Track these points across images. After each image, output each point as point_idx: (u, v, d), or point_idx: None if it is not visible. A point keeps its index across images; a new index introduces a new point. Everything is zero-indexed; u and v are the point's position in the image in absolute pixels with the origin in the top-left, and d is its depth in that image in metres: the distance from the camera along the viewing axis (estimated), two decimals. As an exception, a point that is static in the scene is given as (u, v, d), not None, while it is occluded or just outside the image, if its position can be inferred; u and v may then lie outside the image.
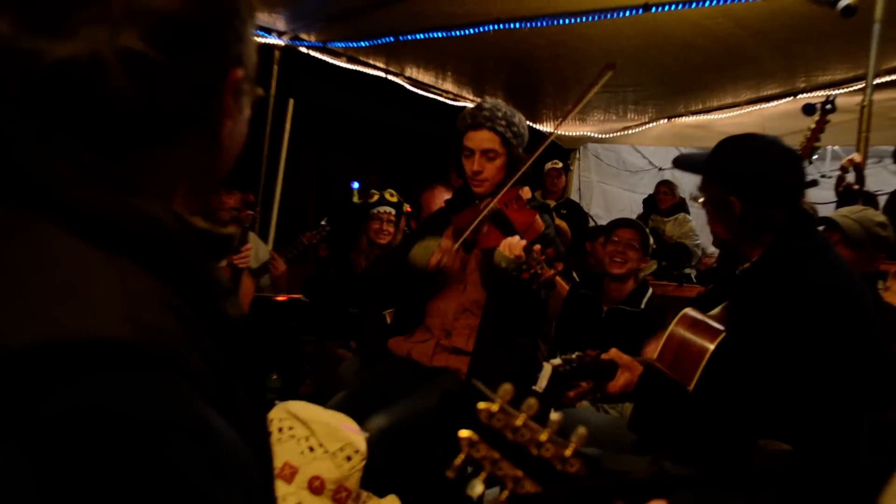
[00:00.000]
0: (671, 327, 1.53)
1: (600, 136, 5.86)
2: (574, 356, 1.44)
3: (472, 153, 1.94)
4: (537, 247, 1.77)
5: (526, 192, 2.03)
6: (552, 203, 5.34)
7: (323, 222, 3.41)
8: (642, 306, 2.59)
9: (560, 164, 5.45)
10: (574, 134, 5.84)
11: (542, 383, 1.40)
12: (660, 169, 6.83)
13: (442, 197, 2.80)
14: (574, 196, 6.14)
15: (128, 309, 0.43)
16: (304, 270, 4.22)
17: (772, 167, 1.44)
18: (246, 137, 0.60)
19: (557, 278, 1.83)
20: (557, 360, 1.43)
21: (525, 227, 1.89)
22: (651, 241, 2.75)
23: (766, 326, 1.37)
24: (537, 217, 1.93)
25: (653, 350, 1.59)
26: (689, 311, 1.56)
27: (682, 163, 1.56)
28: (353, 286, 2.94)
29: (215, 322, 0.50)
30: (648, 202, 5.68)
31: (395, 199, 3.29)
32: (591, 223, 5.72)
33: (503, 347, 1.92)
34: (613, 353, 1.47)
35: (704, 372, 1.43)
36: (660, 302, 2.64)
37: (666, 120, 5.35)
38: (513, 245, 1.77)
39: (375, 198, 3.28)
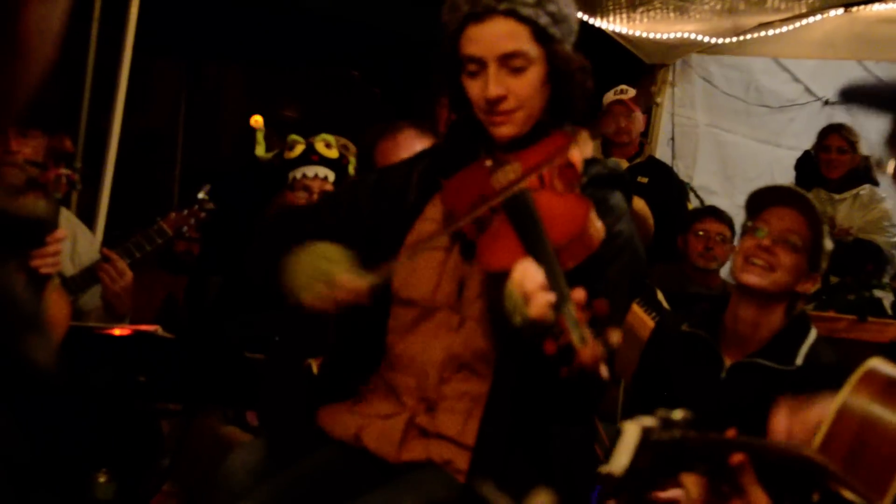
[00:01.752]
0: (846, 394, 1.55)
1: (714, 40, 5.94)
2: (679, 416, 1.43)
3: (482, 65, 1.94)
4: (579, 295, 1.65)
5: (586, 144, 2.04)
6: (620, 164, 5.40)
7: (201, 194, 3.44)
8: (798, 362, 2.62)
9: (634, 93, 5.51)
10: (665, 36, 5.91)
11: (619, 461, 1.37)
12: (826, 103, 6.96)
13: (413, 148, 2.80)
14: (663, 152, 6.24)
15: None
16: (164, 281, 4.24)
17: None
18: (63, 37, 0.63)
19: (602, 366, 1.71)
20: (650, 420, 1.41)
21: (566, 239, 1.78)
22: (827, 236, 2.68)
23: None
24: (592, 215, 1.83)
25: (804, 424, 1.63)
26: (878, 365, 1.58)
27: (859, 94, 1.59)
28: (243, 304, 2.99)
29: None
30: (805, 166, 5.77)
31: (333, 153, 3.34)
32: (694, 202, 5.78)
33: (530, 437, 1.95)
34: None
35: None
36: (830, 353, 2.67)
37: (841, 9, 5.42)
38: (531, 284, 1.68)
39: (298, 149, 3.34)
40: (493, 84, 1.94)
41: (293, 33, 6.27)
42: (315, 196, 3.28)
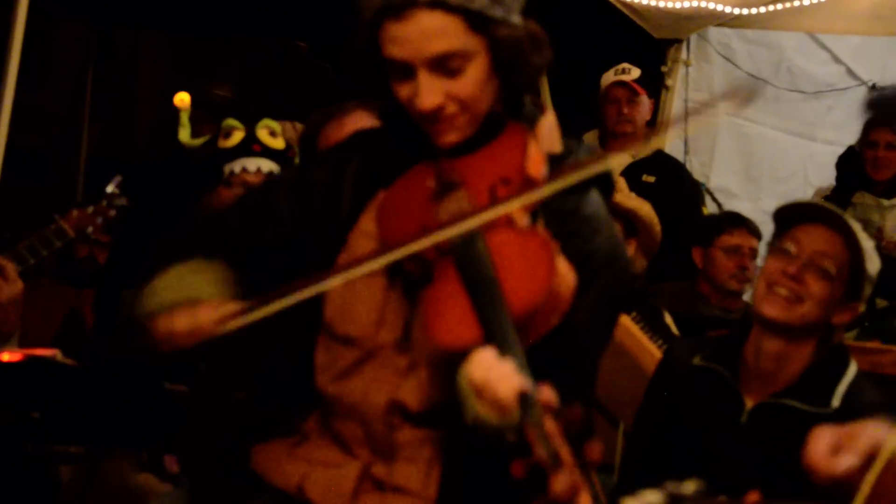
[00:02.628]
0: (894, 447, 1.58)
1: (737, 10, 5.99)
2: (691, 489, 1.44)
3: (409, 71, 1.94)
4: (548, 396, 1.61)
5: (550, 134, 2.03)
6: (621, 159, 5.44)
7: (110, 187, 3.43)
8: (835, 403, 2.65)
9: (638, 74, 5.48)
10: (677, 5, 5.95)
11: None
12: (873, 87, 7.02)
13: None
14: (674, 146, 6.28)
15: None
16: (63, 295, 4.20)
17: None
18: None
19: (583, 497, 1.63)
20: (656, 497, 1.42)
21: (529, 307, 1.74)
22: (870, 259, 2.66)
23: None
24: (559, 263, 1.79)
25: (854, 442, 1.64)
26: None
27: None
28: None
29: None
30: (848, 164, 5.80)
31: (279, 143, 3.36)
32: (711, 207, 5.81)
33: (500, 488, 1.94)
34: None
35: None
36: (874, 392, 2.70)
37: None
38: (489, 379, 1.66)
39: (236, 137, 3.35)
40: (426, 93, 1.90)
41: (228, -5, 6.29)
42: None
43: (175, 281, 1.98)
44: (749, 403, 2.69)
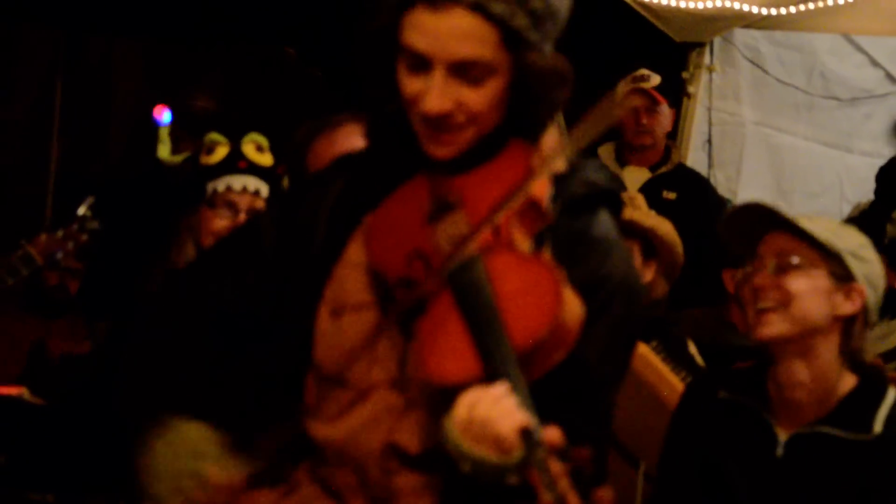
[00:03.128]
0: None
1: (765, 10, 6.01)
2: None
3: (426, 65, 1.95)
4: (554, 436, 1.64)
5: (555, 150, 2.02)
6: (638, 174, 5.48)
7: (82, 209, 3.45)
8: (876, 428, 2.69)
9: (658, 80, 5.53)
10: (700, 5, 5.98)
11: None
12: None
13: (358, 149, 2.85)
14: (697, 158, 6.28)
15: None
16: (31, 327, 4.19)
17: None
18: None
19: None
20: None
21: (533, 340, 1.77)
22: (834, 235, 2.71)
23: None
24: (565, 292, 1.82)
25: None
26: None
27: None
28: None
29: None
30: (890, 178, 5.78)
31: (266, 159, 3.37)
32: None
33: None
34: None
35: None
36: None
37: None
38: (489, 416, 1.69)
39: (220, 153, 3.37)
40: (437, 96, 1.91)
41: (208, -2, 6.30)
42: (243, 216, 3.28)
43: (165, 459, 2.01)
44: (783, 435, 2.71)
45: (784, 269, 2.67)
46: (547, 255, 1.91)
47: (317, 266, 2.05)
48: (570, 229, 1.95)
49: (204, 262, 2.34)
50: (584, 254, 1.92)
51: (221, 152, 3.36)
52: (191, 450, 1.98)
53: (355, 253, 2.04)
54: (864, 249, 2.73)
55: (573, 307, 1.81)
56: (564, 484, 1.60)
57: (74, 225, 3.43)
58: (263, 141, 3.41)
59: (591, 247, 1.97)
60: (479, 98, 1.93)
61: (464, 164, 1.98)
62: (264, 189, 3.35)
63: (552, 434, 1.64)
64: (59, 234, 3.40)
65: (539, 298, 1.81)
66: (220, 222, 3.28)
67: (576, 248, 1.90)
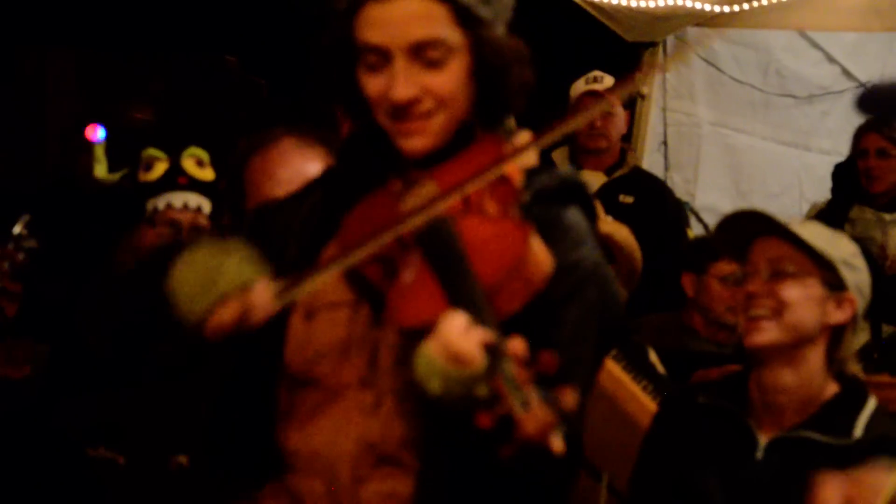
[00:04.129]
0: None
1: (718, 8, 6.04)
2: None
3: (386, 57, 1.99)
4: (518, 346, 1.75)
5: (525, 152, 2.05)
6: (593, 178, 5.44)
7: (17, 228, 3.42)
8: (857, 433, 2.74)
9: (611, 82, 5.54)
10: (651, 4, 6.01)
11: None
12: (867, 89, 7.03)
13: (295, 167, 2.84)
14: (653, 161, 6.32)
15: None
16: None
17: None
18: None
19: (554, 437, 1.73)
20: None
21: (499, 276, 1.86)
22: (829, 244, 2.74)
23: None
24: (533, 241, 1.91)
25: (861, 491, 1.66)
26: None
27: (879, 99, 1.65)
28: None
29: None
30: (847, 175, 5.79)
31: (207, 174, 3.36)
32: (697, 228, 5.85)
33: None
34: None
35: None
36: (893, 425, 2.78)
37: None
38: (453, 334, 1.78)
39: (159, 169, 3.35)
40: (402, 83, 1.96)
41: (146, 6, 6.27)
42: (185, 234, 3.26)
43: (205, 269, 1.99)
44: (763, 439, 2.74)
45: (778, 276, 2.70)
46: (517, 213, 1.95)
47: (289, 274, 2.05)
48: (541, 216, 1.97)
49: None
50: (556, 238, 1.95)
51: (160, 168, 3.34)
52: (228, 254, 1.98)
53: (330, 255, 2.05)
54: (855, 258, 2.77)
55: (540, 253, 1.87)
56: (529, 387, 1.66)
57: (10, 244, 3.40)
58: (204, 155, 3.39)
59: (562, 232, 2.01)
60: (442, 81, 1.98)
61: (436, 159, 2.02)
62: (206, 205, 3.34)
63: (515, 344, 1.69)
64: (-7, 255, 3.38)
65: (506, 240, 1.87)
66: (162, 241, 3.25)
67: (546, 232, 1.92)
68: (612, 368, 3.40)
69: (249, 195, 2.89)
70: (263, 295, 1.95)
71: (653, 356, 3.84)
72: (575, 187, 2.11)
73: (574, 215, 2.06)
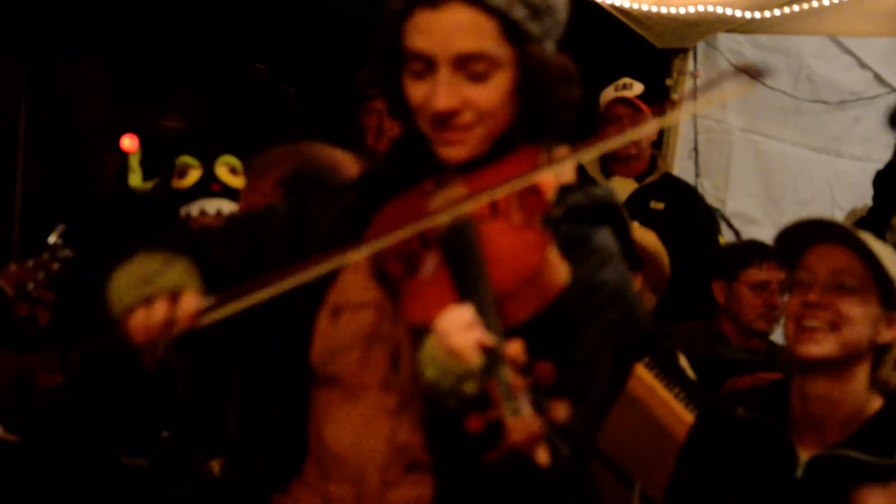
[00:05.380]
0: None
1: (748, 13, 6.03)
2: None
3: (431, 65, 2.00)
4: (515, 351, 1.73)
5: (560, 165, 2.06)
6: (624, 185, 5.47)
7: (53, 237, 3.44)
8: None
9: (641, 89, 5.53)
10: (682, 10, 5.99)
11: None
12: (901, 98, 7.06)
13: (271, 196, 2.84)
14: (683, 167, 6.31)
15: None
16: (2, 360, 4.16)
17: None
18: None
19: (540, 449, 1.72)
20: None
21: (512, 282, 1.86)
22: (891, 261, 2.70)
23: None
24: (551, 254, 1.91)
25: None
26: None
27: None
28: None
29: None
30: (889, 182, 5.74)
31: (240, 182, 3.35)
32: (728, 235, 5.83)
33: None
34: None
35: None
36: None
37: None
38: (453, 327, 1.78)
39: (193, 176, 3.39)
40: (444, 93, 1.97)
41: (175, 15, 6.28)
42: None
43: (145, 270, 2.01)
44: (804, 456, 2.71)
45: (840, 289, 2.67)
46: (540, 225, 1.95)
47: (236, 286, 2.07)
48: (570, 234, 1.98)
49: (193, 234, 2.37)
50: (581, 257, 1.95)
51: (194, 175, 3.36)
52: (166, 266, 2.01)
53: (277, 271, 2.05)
54: None
55: (558, 266, 1.88)
56: (522, 396, 1.66)
57: (45, 254, 3.42)
58: (236, 163, 3.41)
59: (589, 252, 2.01)
60: (485, 95, 1.98)
61: (472, 166, 2.03)
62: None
63: (513, 349, 1.69)
64: (30, 263, 3.39)
65: (524, 248, 1.88)
66: None
67: (573, 250, 1.93)
68: (644, 375, 3.39)
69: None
70: (190, 305, 1.97)
71: (683, 361, 3.84)
72: (608, 208, 2.11)
73: (603, 236, 2.05)
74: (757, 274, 4.53)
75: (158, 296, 1.97)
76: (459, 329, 1.75)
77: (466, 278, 1.85)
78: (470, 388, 1.72)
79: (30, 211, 6.99)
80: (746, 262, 4.61)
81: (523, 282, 1.85)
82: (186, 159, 3.41)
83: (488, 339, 1.72)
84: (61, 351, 3.63)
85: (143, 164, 3.72)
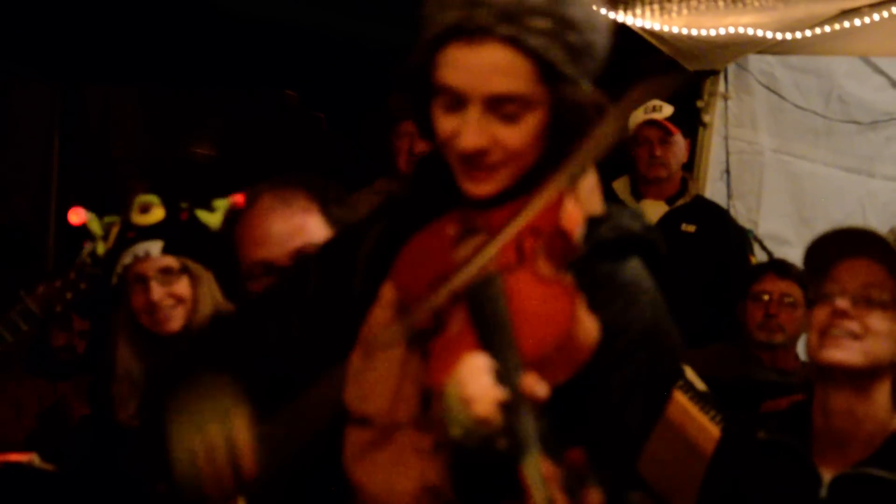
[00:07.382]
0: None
1: (780, 35, 6.01)
2: None
3: (461, 102, 1.98)
4: (530, 386, 1.72)
5: (591, 196, 2.04)
6: (655, 208, 5.47)
7: (82, 255, 3.42)
8: None
9: (671, 111, 5.55)
10: (713, 32, 5.98)
11: None
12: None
13: (275, 226, 2.84)
14: (715, 189, 6.28)
15: None
16: (35, 390, 4.17)
17: None
18: None
19: None
20: None
21: (540, 351, 1.82)
22: None
23: None
24: (580, 312, 1.85)
25: None
26: None
27: None
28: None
29: None
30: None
31: (154, 215, 3.20)
32: (760, 256, 5.81)
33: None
34: None
35: None
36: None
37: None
38: (473, 390, 1.76)
39: (113, 231, 3.21)
40: (473, 132, 1.93)
41: (207, 42, 6.31)
42: (154, 289, 3.14)
43: (187, 421, 2.01)
44: (827, 476, 2.69)
45: (869, 303, 2.66)
46: (568, 278, 1.91)
47: (355, 309, 2.07)
48: (594, 273, 1.94)
49: (250, 310, 2.35)
50: (606, 299, 1.91)
51: (115, 230, 3.25)
52: (213, 410, 2.00)
53: (389, 291, 2.05)
54: None
55: (588, 328, 1.83)
56: (554, 485, 1.63)
57: (72, 273, 3.41)
58: (151, 198, 3.27)
59: (614, 292, 1.97)
60: (515, 135, 1.94)
61: (499, 200, 1.99)
62: (154, 247, 3.20)
63: (530, 384, 1.70)
64: (57, 283, 3.39)
65: (553, 313, 1.84)
66: (142, 297, 3.15)
67: (598, 292, 1.89)
68: (679, 399, 3.37)
69: (240, 257, 2.89)
70: (241, 444, 1.99)
71: (689, 373, 3.78)
72: (635, 239, 2.06)
73: (630, 270, 2.02)
74: (759, 286, 4.61)
75: (216, 448, 1.98)
76: (478, 389, 1.73)
77: (492, 342, 1.81)
78: (501, 444, 1.70)
79: (63, 237, 7.03)
80: (752, 278, 4.71)
81: (553, 349, 1.81)
82: (107, 219, 3.32)
83: (505, 395, 1.70)
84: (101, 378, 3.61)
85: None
